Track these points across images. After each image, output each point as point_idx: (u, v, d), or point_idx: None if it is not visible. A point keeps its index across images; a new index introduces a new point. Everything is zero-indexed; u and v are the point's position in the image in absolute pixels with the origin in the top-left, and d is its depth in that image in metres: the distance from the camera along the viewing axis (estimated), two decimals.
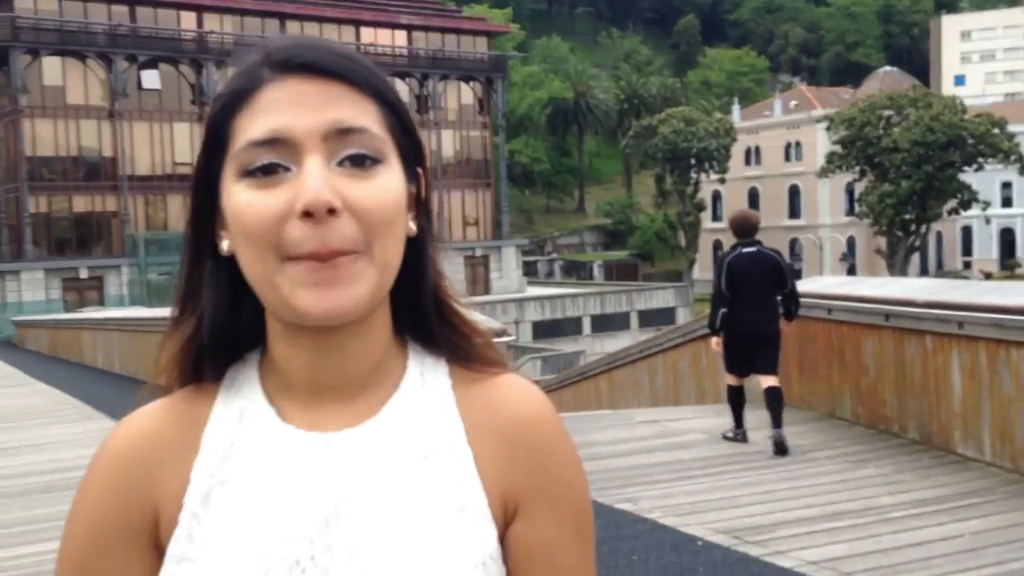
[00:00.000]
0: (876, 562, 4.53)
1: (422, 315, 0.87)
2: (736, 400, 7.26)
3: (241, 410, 0.84)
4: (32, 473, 8.13)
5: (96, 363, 21.98)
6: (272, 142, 0.77)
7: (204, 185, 0.82)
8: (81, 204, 44.11)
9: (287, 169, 0.77)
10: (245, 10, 45.83)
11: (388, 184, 0.79)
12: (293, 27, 45.14)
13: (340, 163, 0.77)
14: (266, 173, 0.77)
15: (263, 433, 0.82)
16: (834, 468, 6.34)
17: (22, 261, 42.10)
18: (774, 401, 6.85)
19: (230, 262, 0.82)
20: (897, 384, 7.02)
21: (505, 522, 0.83)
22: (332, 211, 0.75)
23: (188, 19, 45.85)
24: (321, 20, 46.38)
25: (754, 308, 7.01)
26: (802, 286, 9.39)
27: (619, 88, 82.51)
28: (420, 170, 0.85)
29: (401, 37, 49.31)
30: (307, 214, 0.75)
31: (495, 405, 0.86)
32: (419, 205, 0.85)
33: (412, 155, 0.83)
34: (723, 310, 7.09)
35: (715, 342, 7.30)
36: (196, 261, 0.85)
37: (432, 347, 0.88)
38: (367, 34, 48.00)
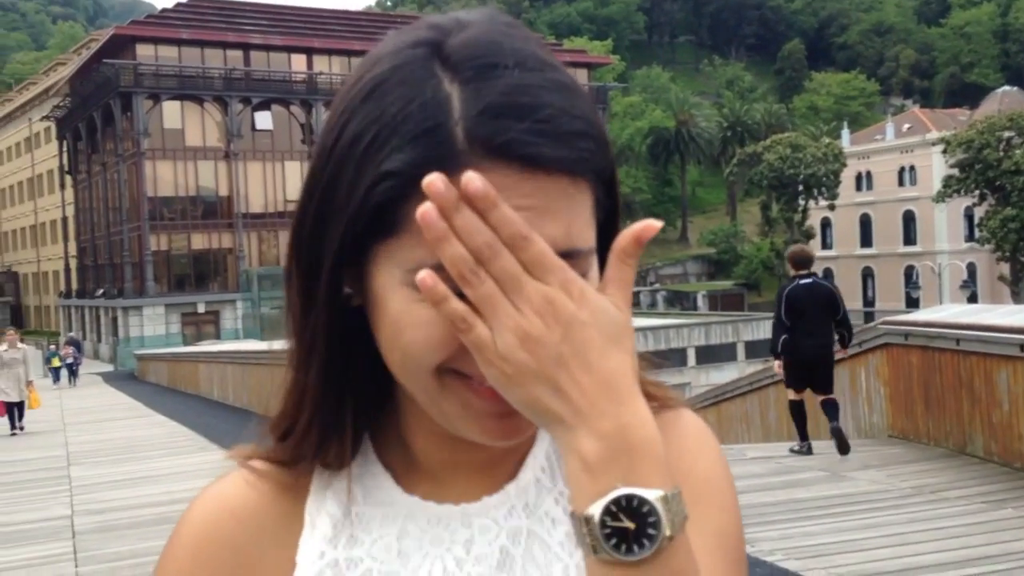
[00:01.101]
0: None
1: None
2: (799, 412, 8.05)
3: (349, 476, 0.69)
4: (147, 504, 8.34)
5: (212, 395, 22.67)
6: None
7: (350, 244, 0.62)
8: (199, 241, 46.01)
9: None
10: (353, 51, 47.20)
11: None
12: None
13: None
14: None
15: (380, 504, 0.69)
16: (967, 509, 5.93)
17: (144, 297, 44.08)
18: (830, 407, 7.79)
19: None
20: None
21: None
22: None
23: (299, 62, 47.56)
24: None
25: (811, 333, 7.74)
26: (926, 315, 8.93)
27: (722, 116, 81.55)
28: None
29: None
30: None
31: None
32: None
33: (608, 235, 0.65)
34: (783, 336, 7.84)
35: (777, 365, 8.13)
36: (337, 281, 0.63)
37: None
38: None
